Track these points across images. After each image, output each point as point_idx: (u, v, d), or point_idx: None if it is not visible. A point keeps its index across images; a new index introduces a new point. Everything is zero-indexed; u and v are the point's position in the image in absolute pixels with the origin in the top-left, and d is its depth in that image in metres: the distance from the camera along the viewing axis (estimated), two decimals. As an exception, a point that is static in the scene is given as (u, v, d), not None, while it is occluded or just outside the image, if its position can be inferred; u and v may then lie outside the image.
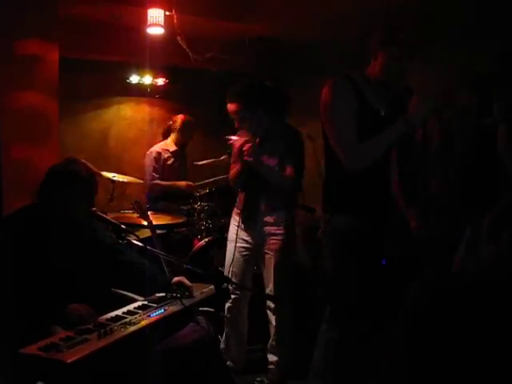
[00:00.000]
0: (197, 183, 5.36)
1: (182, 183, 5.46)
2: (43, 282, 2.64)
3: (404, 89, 2.99)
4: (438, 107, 2.81)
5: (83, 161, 2.96)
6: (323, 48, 5.39)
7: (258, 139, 3.69)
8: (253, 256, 3.85)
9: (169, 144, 5.60)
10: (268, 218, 3.75)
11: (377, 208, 2.96)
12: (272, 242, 3.73)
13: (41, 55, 4.20)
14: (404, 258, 3.11)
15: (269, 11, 4.66)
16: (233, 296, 3.85)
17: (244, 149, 3.58)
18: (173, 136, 5.60)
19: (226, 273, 3.85)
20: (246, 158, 3.57)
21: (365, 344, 3.00)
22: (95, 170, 3.03)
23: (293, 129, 3.83)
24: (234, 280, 3.76)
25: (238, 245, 3.82)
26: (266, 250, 3.76)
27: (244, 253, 3.85)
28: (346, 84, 2.92)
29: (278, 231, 3.72)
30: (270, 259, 3.73)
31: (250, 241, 3.82)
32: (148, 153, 5.54)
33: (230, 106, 3.69)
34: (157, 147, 5.57)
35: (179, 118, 5.60)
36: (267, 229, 3.75)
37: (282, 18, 4.80)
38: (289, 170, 3.64)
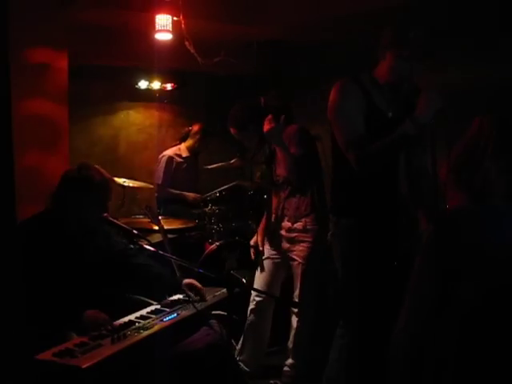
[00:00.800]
0: (204, 195, 5.31)
1: (191, 195, 5.45)
2: (57, 288, 2.66)
3: (413, 90, 2.97)
4: (445, 107, 2.77)
5: (97, 166, 2.98)
6: (333, 49, 5.40)
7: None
8: (283, 262, 3.86)
9: (182, 149, 5.62)
10: (297, 225, 3.75)
11: (386, 209, 2.94)
12: (300, 248, 3.73)
13: (50, 62, 4.22)
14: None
15: (277, 14, 4.67)
16: (257, 298, 3.87)
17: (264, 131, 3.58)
18: (188, 142, 5.62)
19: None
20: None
21: (379, 347, 2.98)
22: (109, 175, 3.04)
23: (296, 126, 3.82)
24: (261, 283, 3.84)
25: (268, 250, 3.90)
26: (294, 257, 3.76)
27: (275, 259, 3.88)
28: (354, 85, 2.91)
29: (306, 238, 3.72)
30: (298, 266, 3.74)
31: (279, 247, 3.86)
32: (160, 156, 5.56)
33: (231, 131, 3.90)
34: (170, 151, 5.59)
35: (197, 125, 5.63)
36: (295, 235, 3.75)
37: (290, 21, 4.80)
38: (293, 150, 3.64)
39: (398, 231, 2.96)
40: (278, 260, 3.87)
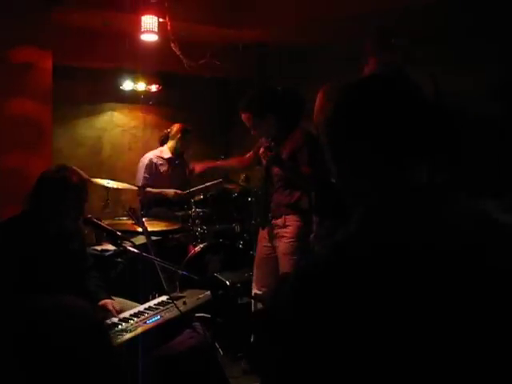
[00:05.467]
0: (187, 191, 5.27)
1: (170, 191, 5.39)
2: (33, 289, 2.63)
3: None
4: None
5: (74, 168, 2.96)
6: (320, 52, 5.42)
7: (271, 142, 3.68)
8: (275, 257, 3.86)
9: (164, 151, 5.56)
10: (278, 221, 3.77)
11: None
12: (280, 244, 3.75)
13: (34, 62, 4.20)
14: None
15: (263, 17, 4.68)
16: (258, 292, 3.89)
17: (259, 152, 3.59)
18: (169, 144, 5.58)
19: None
20: (263, 160, 3.61)
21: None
22: (86, 177, 3.03)
23: (302, 132, 3.82)
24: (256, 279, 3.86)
25: (264, 245, 3.90)
26: (277, 253, 3.78)
27: (268, 253, 3.90)
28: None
29: (286, 234, 3.73)
30: (279, 261, 3.76)
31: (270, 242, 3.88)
32: (142, 158, 5.52)
33: (243, 116, 3.77)
34: (151, 154, 5.54)
35: (176, 126, 5.58)
36: (277, 231, 3.77)
37: (277, 24, 4.81)
38: (305, 169, 3.63)
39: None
40: (270, 254, 3.88)
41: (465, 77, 4.26)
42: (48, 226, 2.85)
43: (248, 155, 4.08)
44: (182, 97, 6.62)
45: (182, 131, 5.54)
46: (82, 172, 2.99)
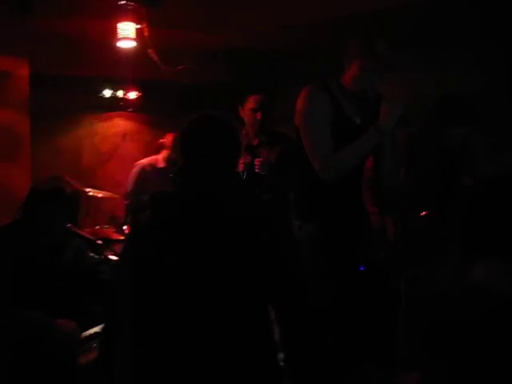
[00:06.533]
0: None
1: None
2: (24, 300, 2.61)
3: (376, 97, 3.01)
4: (406, 114, 2.83)
5: (67, 178, 2.93)
6: (299, 55, 5.43)
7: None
8: None
9: (159, 160, 5.46)
10: None
11: (349, 215, 2.96)
12: None
13: (10, 71, 4.16)
14: (382, 264, 3.12)
15: (241, 22, 4.67)
16: None
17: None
18: (163, 153, 5.52)
19: None
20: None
21: (345, 350, 2.99)
22: (79, 187, 3.00)
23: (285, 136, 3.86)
24: None
25: None
26: None
27: None
28: (322, 93, 2.94)
29: None
30: None
31: None
32: (135, 164, 5.43)
33: (259, 97, 3.82)
34: (146, 160, 5.42)
35: (170, 135, 5.54)
36: None
37: (254, 29, 4.81)
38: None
39: (361, 238, 3.00)
40: None
41: (442, 82, 4.31)
42: (42, 236, 2.82)
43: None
44: (161, 103, 6.59)
45: (174, 141, 5.47)
46: (75, 182, 2.96)
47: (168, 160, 5.46)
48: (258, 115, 3.78)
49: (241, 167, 3.82)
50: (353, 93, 2.96)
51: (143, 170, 5.36)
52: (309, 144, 2.93)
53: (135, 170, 5.37)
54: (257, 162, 3.59)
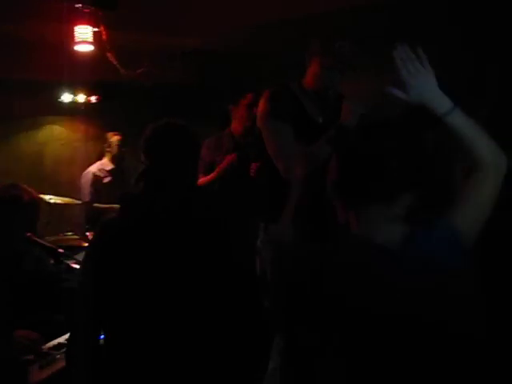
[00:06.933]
0: None
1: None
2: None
3: (338, 96, 3.03)
4: (367, 112, 2.85)
5: (24, 186, 2.87)
6: (262, 57, 5.42)
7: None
8: None
9: (105, 163, 5.57)
10: None
11: (314, 215, 2.96)
12: None
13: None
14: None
15: (202, 24, 4.65)
16: None
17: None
18: (108, 155, 5.57)
19: None
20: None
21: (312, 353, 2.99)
22: (36, 194, 2.93)
23: None
24: None
25: None
26: None
27: None
28: (283, 94, 2.94)
29: None
30: None
31: None
32: (84, 173, 5.49)
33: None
34: (93, 167, 5.54)
35: (108, 135, 5.58)
36: None
37: (215, 31, 4.79)
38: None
39: (327, 237, 2.99)
40: None
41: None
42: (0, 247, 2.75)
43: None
44: (122, 106, 6.51)
45: (118, 142, 5.55)
46: (32, 190, 2.89)
47: (114, 160, 5.52)
48: (255, 110, 3.84)
49: (224, 164, 3.86)
50: (314, 92, 2.97)
51: (95, 175, 5.43)
52: (272, 145, 2.92)
53: (87, 177, 5.44)
54: (254, 166, 3.61)
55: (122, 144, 5.54)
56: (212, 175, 3.96)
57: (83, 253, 4.05)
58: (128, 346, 1.96)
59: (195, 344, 1.96)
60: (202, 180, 3.87)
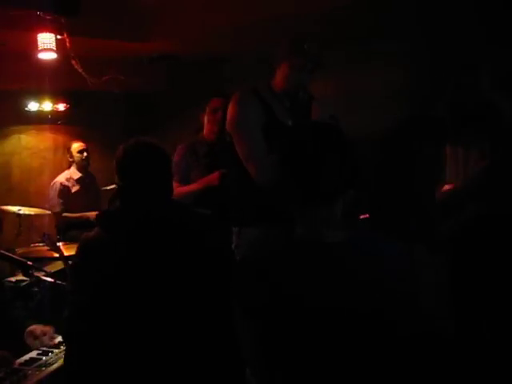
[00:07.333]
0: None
1: (92, 214, 5.30)
2: None
3: (307, 98, 3.03)
4: (336, 114, 2.86)
5: None
6: (231, 60, 5.42)
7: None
8: None
9: (72, 172, 5.57)
10: None
11: (288, 218, 2.95)
12: None
13: None
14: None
15: (167, 29, 4.62)
16: None
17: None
18: (74, 165, 5.55)
19: None
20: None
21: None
22: None
23: None
24: None
25: None
26: None
27: None
28: (252, 97, 2.94)
29: None
30: None
31: None
32: (52, 183, 5.47)
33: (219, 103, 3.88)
34: (61, 177, 5.52)
35: (72, 146, 5.61)
36: None
37: (180, 36, 4.76)
38: None
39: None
40: None
41: (373, 77, 4.38)
42: None
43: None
44: (91, 114, 6.45)
45: (78, 149, 5.56)
46: None
47: (80, 168, 5.50)
48: (218, 116, 3.83)
49: (207, 180, 3.79)
50: (284, 94, 2.97)
51: (62, 185, 5.41)
52: (242, 149, 2.92)
53: (55, 188, 5.44)
54: (217, 174, 3.57)
55: (83, 150, 5.51)
56: (192, 187, 3.84)
57: (53, 264, 4.04)
58: (120, 360, 2.01)
59: (186, 354, 2.02)
60: (180, 189, 3.76)
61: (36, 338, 2.68)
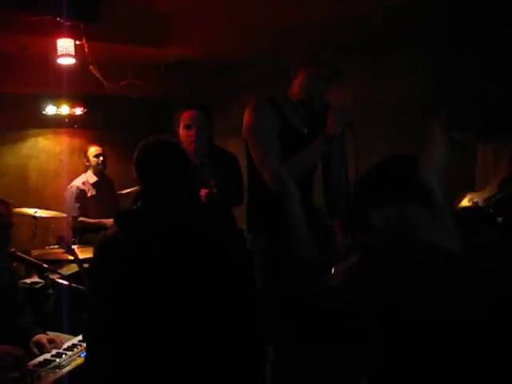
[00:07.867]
0: None
1: (109, 221, 5.30)
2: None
3: (323, 106, 3.03)
4: (351, 121, 2.87)
5: None
6: (246, 67, 5.44)
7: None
8: None
9: (89, 176, 5.58)
10: None
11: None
12: None
13: None
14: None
15: (184, 35, 4.65)
16: None
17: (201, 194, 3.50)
18: (90, 169, 5.58)
19: None
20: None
21: (305, 358, 2.99)
22: (10, 206, 2.89)
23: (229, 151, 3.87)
24: None
25: None
26: None
27: None
28: (268, 105, 2.95)
29: None
30: None
31: None
32: (68, 187, 5.49)
33: (201, 116, 3.64)
34: (77, 181, 5.54)
35: (89, 151, 5.62)
36: None
37: (198, 42, 4.79)
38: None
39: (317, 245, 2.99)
40: None
41: (389, 87, 4.38)
42: None
43: None
44: (107, 118, 6.50)
45: (95, 154, 5.58)
46: (6, 201, 2.85)
47: (97, 173, 5.52)
48: (193, 132, 3.62)
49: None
50: (300, 102, 2.98)
51: (79, 189, 5.43)
52: (258, 156, 2.93)
53: (72, 191, 5.44)
54: (203, 192, 3.50)
55: (99, 155, 5.55)
56: None
57: (69, 266, 4.07)
58: (140, 358, 2.02)
59: (200, 357, 2.04)
60: None
61: (41, 348, 2.69)
